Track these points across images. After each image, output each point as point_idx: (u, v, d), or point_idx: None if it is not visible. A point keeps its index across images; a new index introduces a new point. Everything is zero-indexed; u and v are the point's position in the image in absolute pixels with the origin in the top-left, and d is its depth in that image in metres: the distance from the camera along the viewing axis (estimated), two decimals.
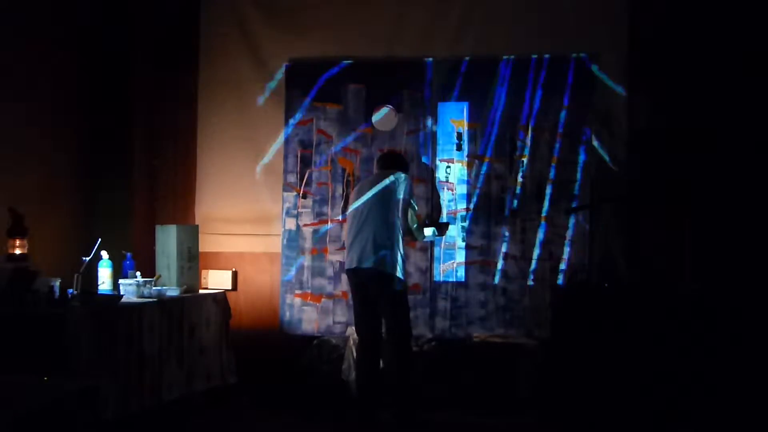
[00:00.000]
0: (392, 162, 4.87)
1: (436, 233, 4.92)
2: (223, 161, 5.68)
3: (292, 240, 5.53)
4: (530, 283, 5.23)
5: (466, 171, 5.35)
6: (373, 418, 4.65)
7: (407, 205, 4.62)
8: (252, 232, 5.63)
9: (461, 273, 5.32)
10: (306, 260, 5.50)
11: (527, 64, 5.28)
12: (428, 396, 4.92)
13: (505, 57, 5.31)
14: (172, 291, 4.66)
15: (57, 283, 4.05)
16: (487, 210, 5.31)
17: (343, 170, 5.50)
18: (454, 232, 5.28)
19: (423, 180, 5.36)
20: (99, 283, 4.58)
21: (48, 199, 4.96)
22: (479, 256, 5.30)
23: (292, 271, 5.51)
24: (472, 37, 5.37)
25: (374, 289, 4.61)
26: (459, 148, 5.37)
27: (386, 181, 4.67)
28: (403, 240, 4.66)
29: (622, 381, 4.06)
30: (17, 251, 4.20)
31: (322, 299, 5.47)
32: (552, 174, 5.24)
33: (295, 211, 5.54)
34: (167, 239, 4.83)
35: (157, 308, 4.40)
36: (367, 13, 5.52)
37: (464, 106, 5.36)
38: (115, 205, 5.34)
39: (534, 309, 5.20)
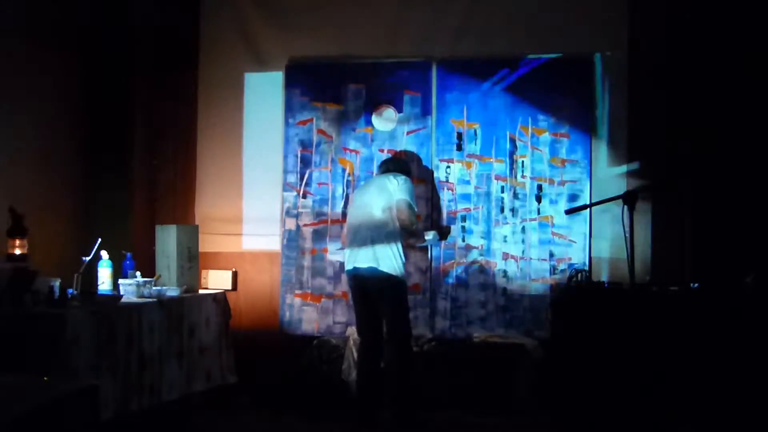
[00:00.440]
0: (394, 166, 4.87)
1: (438, 237, 4.91)
2: (223, 161, 5.68)
3: (292, 240, 5.53)
4: (530, 283, 5.23)
5: (466, 171, 5.36)
6: (373, 418, 4.65)
7: (407, 206, 4.60)
8: (252, 232, 5.63)
9: (461, 273, 5.32)
10: (306, 260, 5.50)
11: (527, 64, 5.28)
12: (428, 396, 4.92)
13: (505, 57, 5.31)
14: (172, 291, 4.66)
15: (57, 283, 4.05)
16: (487, 210, 5.31)
17: (343, 170, 5.50)
18: (454, 232, 5.28)
19: (423, 180, 5.35)
20: (99, 283, 4.57)
21: (48, 199, 4.96)
22: (479, 256, 5.30)
23: (292, 271, 5.51)
24: (473, 37, 5.37)
25: (374, 290, 4.60)
26: (459, 148, 5.37)
27: (385, 183, 4.67)
28: (402, 241, 4.65)
29: (622, 381, 4.05)
30: (17, 251, 4.20)
31: (322, 299, 5.47)
32: (552, 174, 5.24)
33: (295, 211, 5.54)
34: (167, 239, 4.83)
35: (157, 308, 4.40)
36: (367, 13, 5.51)
37: (464, 106, 5.35)
38: (115, 205, 5.35)
39: (534, 309, 5.20)
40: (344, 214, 5.23)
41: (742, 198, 4.82)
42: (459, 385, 5.00)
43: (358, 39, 5.50)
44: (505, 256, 5.27)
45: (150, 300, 4.43)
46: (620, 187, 5.05)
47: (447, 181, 5.37)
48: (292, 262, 5.51)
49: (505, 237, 5.28)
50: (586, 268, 5.03)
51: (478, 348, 5.07)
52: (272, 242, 5.59)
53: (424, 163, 5.38)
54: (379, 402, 4.68)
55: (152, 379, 4.31)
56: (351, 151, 5.50)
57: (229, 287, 5.53)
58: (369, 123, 5.45)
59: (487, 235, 5.30)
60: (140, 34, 5.53)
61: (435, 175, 5.37)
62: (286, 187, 5.55)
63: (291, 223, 5.54)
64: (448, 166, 5.37)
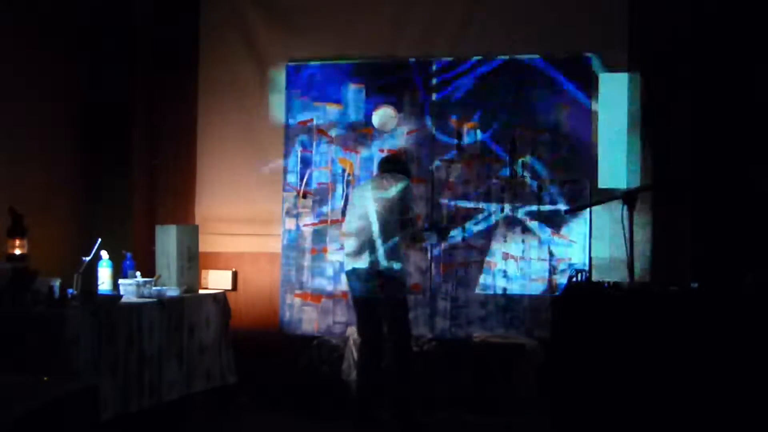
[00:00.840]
0: (393, 165, 4.87)
1: (437, 237, 4.91)
2: (223, 161, 5.68)
3: (292, 240, 5.53)
4: (530, 283, 5.23)
5: (466, 171, 5.35)
6: (373, 418, 4.65)
7: (407, 209, 4.63)
8: (252, 232, 5.63)
9: (461, 273, 5.32)
10: (306, 260, 5.50)
11: (528, 64, 5.28)
12: (428, 396, 4.92)
13: (505, 57, 5.31)
14: (172, 291, 4.66)
15: (57, 283, 4.04)
16: (488, 210, 5.31)
17: (343, 170, 5.50)
18: (454, 232, 5.28)
19: (423, 180, 5.35)
20: (99, 283, 4.56)
21: (48, 199, 4.96)
22: (479, 256, 5.30)
23: (292, 271, 5.51)
24: (473, 37, 5.37)
25: (375, 291, 4.60)
26: (459, 148, 5.37)
27: (385, 185, 4.67)
28: (403, 243, 4.65)
29: (622, 381, 4.05)
30: (17, 251, 4.19)
31: (322, 299, 5.47)
32: (552, 174, 5.24)
33: (295, 211, 5.54)
34: (167, 239, 4.83)
35: (157, 308, 4.40)
36: (367, 12, 5.52)
37: (464, 106, 5.35)
38: (115, 205, 5.35)
39: (534, 309, 5.20)
40: (343, 213, 5.23)
41: (742, 198, 4.82)
42: (459, 385, 5.00)
43: (358, 39, 5.50)
44: (505, 256, 5.27)
45: (150, 300, 4.43)
46: (620, 187, 5.06)
47: (447, 181, 5.37)
48: (292, 262, 5.51)
49: (506, 237, 5.28)
50: (586, 268, 5.02)
51: (478, 348, 5.07)
52: (272, 242, 5.60)
53: (424, 163, 5.38)
54: (379, 402, 4.68)
55: (152, 379, 4.31)
56: (351, 151, 5.50)
57: (229, 287, 5.53)
58: (369, 123, 5.45)
59: (487, 235, 5.30)
60: (140, 34, 5.53)
61: (435, 175, 5.37)
62: (286, 187, 5.55)
63: (291, 223, 5.54)
64: (449, 166, 5.37)
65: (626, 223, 3.71)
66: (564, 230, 5.21)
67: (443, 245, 5.30)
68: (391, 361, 4.61)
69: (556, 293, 4.94)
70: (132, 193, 5.46)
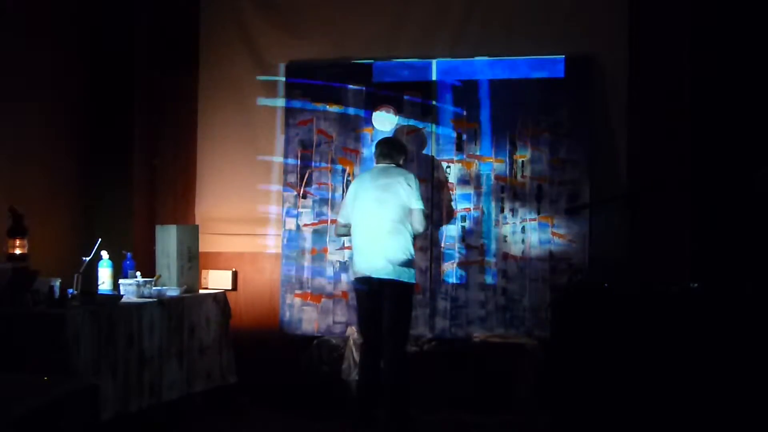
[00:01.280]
0: (392, 148, 4.81)
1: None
2: (223, 161, 5.68)
3: (292, 240, 5.53)
4: (530, 283, 5.23)
5: (466, 171, 5.36)
6: (373, 418, 4.64)
7: (423, 214, 4.62)
8: (252, 232, 5.63)
9: (461, 273, 5.32)
10: (306, 260, 5.50)
11: (527, 64, 5.28)
12: (428, 396, 4.92)
13: (505, 57, 5.31)
14: (172, 291, 4.66)
15: (57, 283, 4.05)
16: (487, 210, 5.31)
17: (343, 170, 5.50)
18: (454, 232, 5.29)
19: (423, 180, 5.35)
20: (99, 283, 4.57)
21: (48, 199, 4.96)
22: (479, 256, 5.30)
23: (292, 271, 5.51)
24: (472, 37, 5.37)
25: (386, 295, 4.58)
26: (459, 148, 5.37)
27: (396, 186, 4.62)
28: (414, 245, 4.66)
29: (622, 381, 4.05)
30: (17, 251, 4.20)
31: (322, 299, 5.47)
32: (552, 174, 5.24)
33: (295, 211, 5.54)
34: (167, 239, 4.83)
35: (157, 308, 4.40)
36: (367, 13, 5.52)
37: (464, 106, 5.35)
38: (115, 205, 5.35)
39: (534, 309, 5.20)
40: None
41: (743, 197, 4.82)
42: (459, 385, 5.00)
43: (358, 39, 5.50)
44: (505, 256, 5.27)
45: (150, 300, 4.43)
46: (620, 186, 5.07)
47: (447, 181, 5.37)
48: (292, 262, 5.51)
49: (506, 237, 5.28)
50: (586, 268, 5.02)
51: (478, 348, 5.07)
52: (272, 242, 5.60)
53: (424, 163, 5.38)
54: (379, 402, 4.68)
55: (152, 379, 4.31)
56: (351, 151, 5.50)
57: (229, 287, 5.53)
58: (369, 123, 5.45)
59: (487, 235, 5.30)
60: (140, 34, 5.53)
61: (435, 175, 5.37)
62: (286, 187, 5.56)
63: (291, 223, 5.54)
64: (448, 166, 5.37)
65: (626, 223, 3.71)
66: (564, 230, 5.21)
67: (443, 245, 5.30)
68: (391, 360, 4.60)
69: (556, 293, 4.94)
70: (132, 193, 5.46)
